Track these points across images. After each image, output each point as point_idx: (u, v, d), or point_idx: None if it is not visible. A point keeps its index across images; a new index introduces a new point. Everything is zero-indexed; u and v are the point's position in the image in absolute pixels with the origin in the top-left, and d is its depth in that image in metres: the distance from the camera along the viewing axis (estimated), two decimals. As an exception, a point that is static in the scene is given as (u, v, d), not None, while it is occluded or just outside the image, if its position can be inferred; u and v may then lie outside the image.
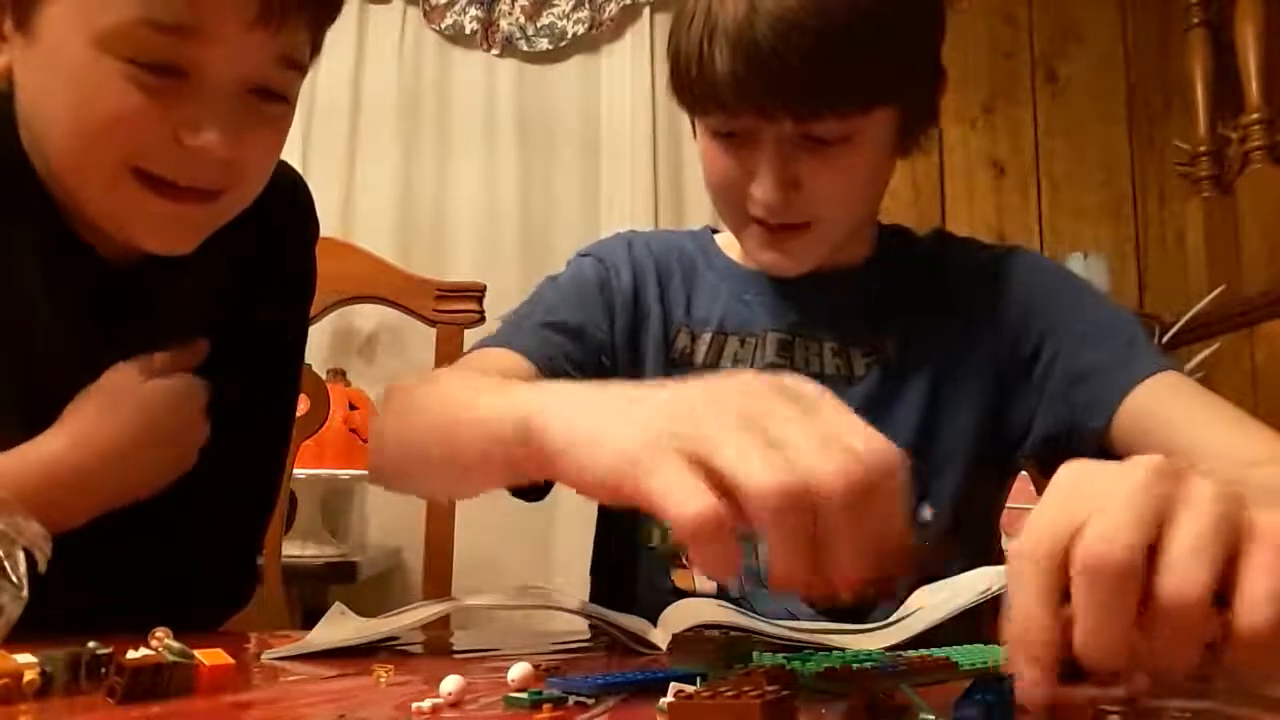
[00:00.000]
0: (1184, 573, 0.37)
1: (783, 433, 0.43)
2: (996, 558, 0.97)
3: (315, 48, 0.78)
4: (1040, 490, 0.99)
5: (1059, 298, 0.91)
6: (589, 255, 0.99)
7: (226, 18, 0.68)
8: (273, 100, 0.74)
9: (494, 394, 0.61)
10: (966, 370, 0.90)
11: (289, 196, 0.91)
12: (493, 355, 0.88)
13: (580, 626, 0.74)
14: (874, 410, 0.88)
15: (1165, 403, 0.81)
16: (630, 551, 0.92)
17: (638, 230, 1.04)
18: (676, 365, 0.93)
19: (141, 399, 0.77)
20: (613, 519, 0.97)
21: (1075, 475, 0.42)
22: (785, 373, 0.87)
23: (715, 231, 1.03)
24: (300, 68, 0.74)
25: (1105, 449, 0.83)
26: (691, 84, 0.81)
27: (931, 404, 0.90)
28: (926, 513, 0.88)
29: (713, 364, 0.92)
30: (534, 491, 0.81)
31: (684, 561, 0.89)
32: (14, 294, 0.78)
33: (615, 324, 0.94)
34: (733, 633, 0.58)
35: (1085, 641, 0.37)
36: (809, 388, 0.47)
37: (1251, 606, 0.36)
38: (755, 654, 0.54)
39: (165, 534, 0.80)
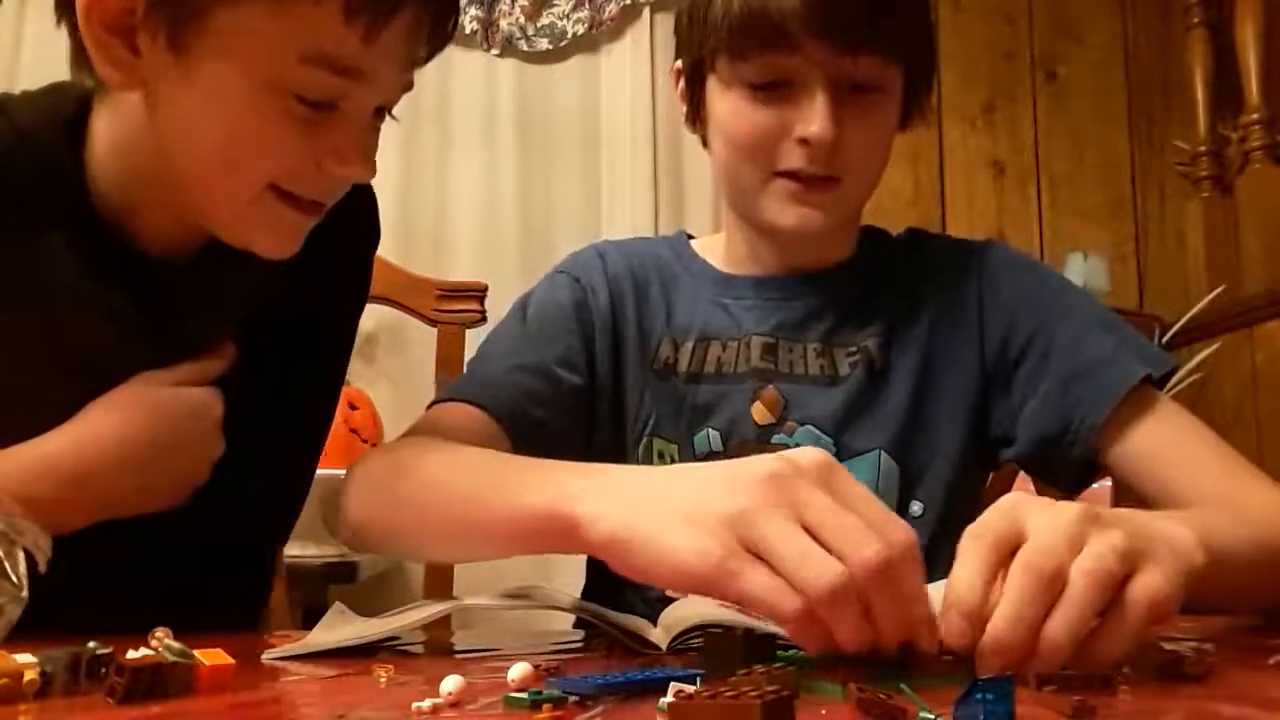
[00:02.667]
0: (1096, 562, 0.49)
1: (823, 523, 0.51)
2: None
3: None
4: (1041, 491, 0.98)
5: (1045, 296, 0.92)
6: (564, 273, 0.99)
7: (390, 62, 0.71)
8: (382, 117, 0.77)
9: (517, 478, 0.66)
10: (950, 368, 0.92)
11: (351, 202, 0.91)
12: (455, 414, 0.87)
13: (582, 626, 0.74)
14: (859, 410, 0.90)
15: (1156, 418, 0.83)
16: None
17: (612, 240, 1.04)
18: (660, 375, 0.94)
19: (155, 406, 0.77)
20: None
21: (1018, 500, 0.54)
22: (769, 373, 0.90)
23: (691, 237, 1.04)
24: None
25: (1097, 450, 0.84)
26: (756, 24, 0.83)
27: (916, 402, 0.91)
28: (916, 508, 0.89)
29: (696, 371, 0.93)
30: None
31: None
32: (52, 292, 0.78)
33: (595, 345, 0.94)
34: (757, 633, 0.58)
35: (1002, 624, 0.48)
36: (826, 470, 0.53)
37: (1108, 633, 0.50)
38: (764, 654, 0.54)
39: (190, 533, 0.79)
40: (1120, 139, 2.76)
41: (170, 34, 0.68)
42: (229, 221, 0.76)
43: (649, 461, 0.93)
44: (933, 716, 0.39)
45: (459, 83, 2.60)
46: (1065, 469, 0.88)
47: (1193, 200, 2.46)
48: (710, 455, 0.91)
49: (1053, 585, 0.49)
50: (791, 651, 0.56)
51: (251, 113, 0.69)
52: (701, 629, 0.62)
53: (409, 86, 0.76)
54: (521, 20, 2.60)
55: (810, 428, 0.90)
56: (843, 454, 0.89)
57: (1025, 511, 0.52)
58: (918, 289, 0.95)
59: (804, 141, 0.85)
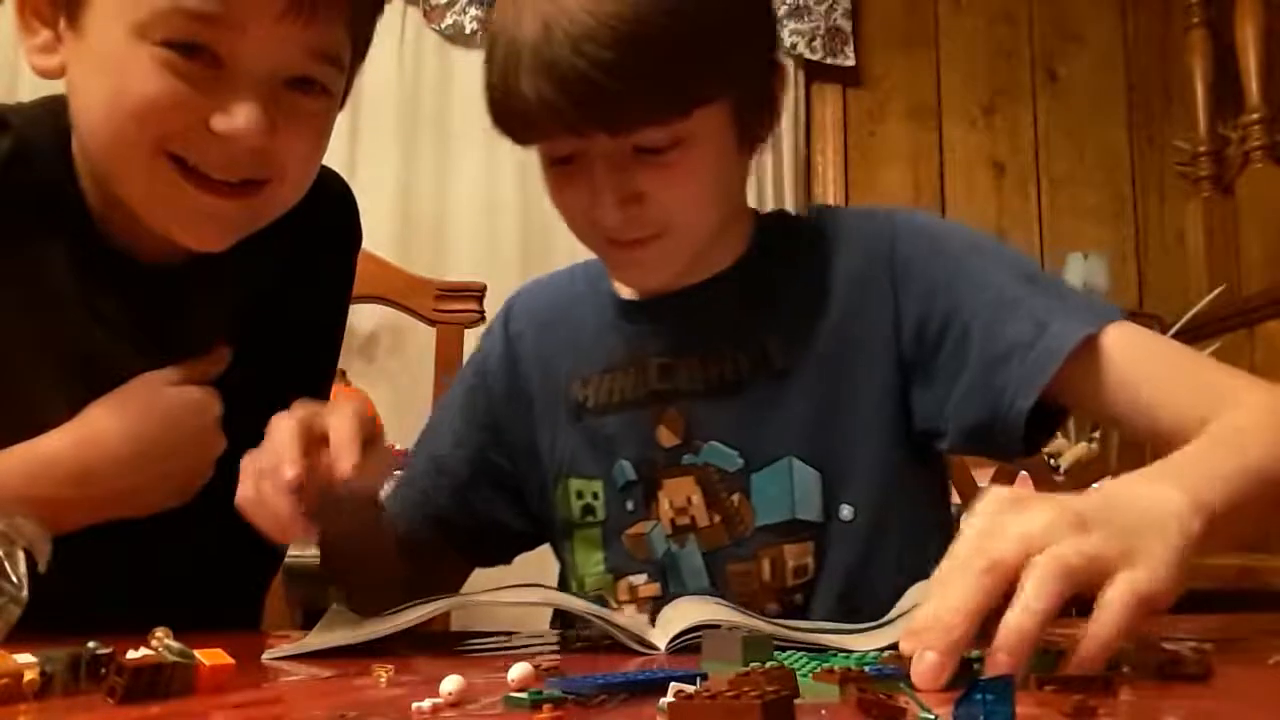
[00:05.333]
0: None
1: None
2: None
3: (361, 45, 0.79)
4: (1039, 485, 0.94)
5: (953, 271, 0.85)
6: (478, 351, 1.01)
7: (254, 9, 0.69)
8: (311, 95, 0.74)
9: None
10: (863, 362, 0.86)
11: (335, 206, 0.91)
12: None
13: (583, 624, 0.74)
14: (761, 416, 0.86)
15: (1115, 363, 0.77)
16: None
17: (534, 282, 1.03)
18: (574, 416, 0.91)
19: (155, 407, 0.77)
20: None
21: (1000, 503, 0.53)
22: (669, 394, 0.88)
23: None
24: (338, 63, 0.75)
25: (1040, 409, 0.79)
26: (505, 113, 0.79)
27: (826, 401, 0.85)
28: (845, 512, 0.85)
29: (604, 404, 0.90)
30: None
31: (613, 606, 0.88)
32: (50, 299, 0.78)
33: (500, 428, 0.96)
34: (757, 633, 0.58)
35: (1020, 618, 0.47)
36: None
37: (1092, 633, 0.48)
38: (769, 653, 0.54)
39: (190, 533, 0.79)
40: (1120, 139, 2.76)
41: (68, 7, 0.71)
42: (139, 199, 0.75)
43: (567, 504, 0.91)
44: (933, 716, 0.39)
45: (459, 83, 2.60)
46: (1005, 452, 0.84)
47: (1193, 200, 2.46)
48: (628, 486, 0.88)
49: (1006, 580, 0.49)
50: (790, 652, 0.56)
51: (130, 63, 0.69)
52: (701, 629, 0.62)
53: (329, 58, 0.74)
54: (521, 20, 2.60)
55: (716, 444, 0.86)
56: (752, 465, 0.85)
57: (1002, 523, 0.52)
58: (824, 277, 0.88)
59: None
